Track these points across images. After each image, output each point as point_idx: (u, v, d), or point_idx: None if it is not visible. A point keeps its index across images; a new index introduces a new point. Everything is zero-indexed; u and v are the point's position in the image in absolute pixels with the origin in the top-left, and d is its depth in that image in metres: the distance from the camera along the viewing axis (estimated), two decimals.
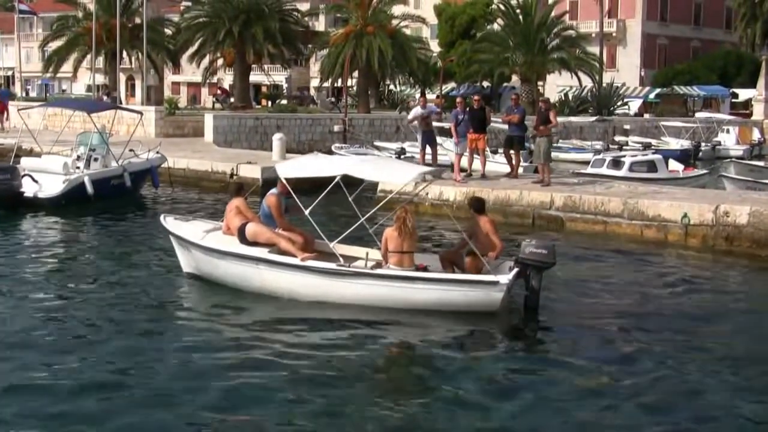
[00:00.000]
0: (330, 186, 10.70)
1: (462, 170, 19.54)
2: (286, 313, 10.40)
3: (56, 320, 10.02)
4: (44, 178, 18.99)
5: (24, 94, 73.19)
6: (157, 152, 22.34)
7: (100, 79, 54.80)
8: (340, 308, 10.34)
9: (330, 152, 27.37)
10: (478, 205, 11.48)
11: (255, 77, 56.27)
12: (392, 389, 8.25)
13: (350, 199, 10.94)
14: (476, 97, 20.31)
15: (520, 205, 17.58)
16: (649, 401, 7.87)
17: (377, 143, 34.85)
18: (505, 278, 10.15)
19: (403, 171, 11.59)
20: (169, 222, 12.63)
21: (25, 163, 20.00)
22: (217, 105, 55.47)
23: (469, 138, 19.20)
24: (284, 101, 58.08)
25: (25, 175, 18.86)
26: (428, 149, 20.48)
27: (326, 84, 53.42)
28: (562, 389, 8.11)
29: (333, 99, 61.47)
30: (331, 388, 7.95)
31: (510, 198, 17.76)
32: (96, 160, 20.36)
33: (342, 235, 10.93)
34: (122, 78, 58.62)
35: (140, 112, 26.15)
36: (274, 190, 11.73)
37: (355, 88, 50.69)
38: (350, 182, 11.22)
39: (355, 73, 48.78)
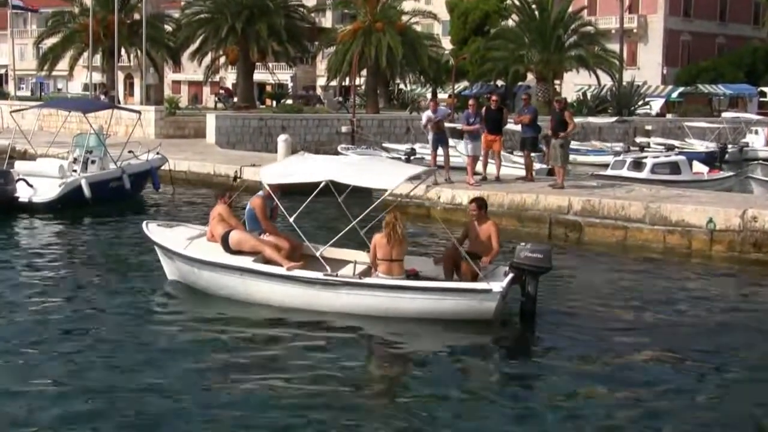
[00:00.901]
0: (314, 192, 10.52)
1: (476, 173, 19.11)
2: (273, 321, 10.25)
3: (43, 325, 9.98)
4: (39, 182, 18.65)
5: (30, 93, 72.96)
6: (158, 153, 22.19)
7: (98, 77, 54.28)
8: (329, 317, 10.22)
9: (336, 154, 26.87)
10: (482, 201, 11.31)
11: (259, 76, 55.53)
12: (385, 398, 8.14)
13: (339, 200, 10.75)
14: (494, 98, 20.04)
15: (536, 209, 17.16)
16: (648, 413, 7.62)
17: (386, 144, 34.48)
18: (498, 286, 9.88)
19: (389, 174, 11.10)
20: (152, 229, 12.30)
21: (20, 166, 19.70)
22: (220, 105, 55.04)
23: (485, 139, 18.86)
24: (289, 101, 57.57)
25: (19, 179, 18.53)
26: (440, 150, 19.87)
27: (333, 83, 52.88)
28: (556, 397, 7.95)
29: (340, 99, 60.71)
30: (321, 398, 7.84)
31: (526, 202, 17.35)
32: (93, 162, 20.09)
33: (333, 239, 10.80)
34: (120, 76, 58.20)
35: (138, 112, 26.02)
36: (260, 192, 11.57)
37: (363, 87, 50.12)
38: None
39: (364, 72, 48.22)
